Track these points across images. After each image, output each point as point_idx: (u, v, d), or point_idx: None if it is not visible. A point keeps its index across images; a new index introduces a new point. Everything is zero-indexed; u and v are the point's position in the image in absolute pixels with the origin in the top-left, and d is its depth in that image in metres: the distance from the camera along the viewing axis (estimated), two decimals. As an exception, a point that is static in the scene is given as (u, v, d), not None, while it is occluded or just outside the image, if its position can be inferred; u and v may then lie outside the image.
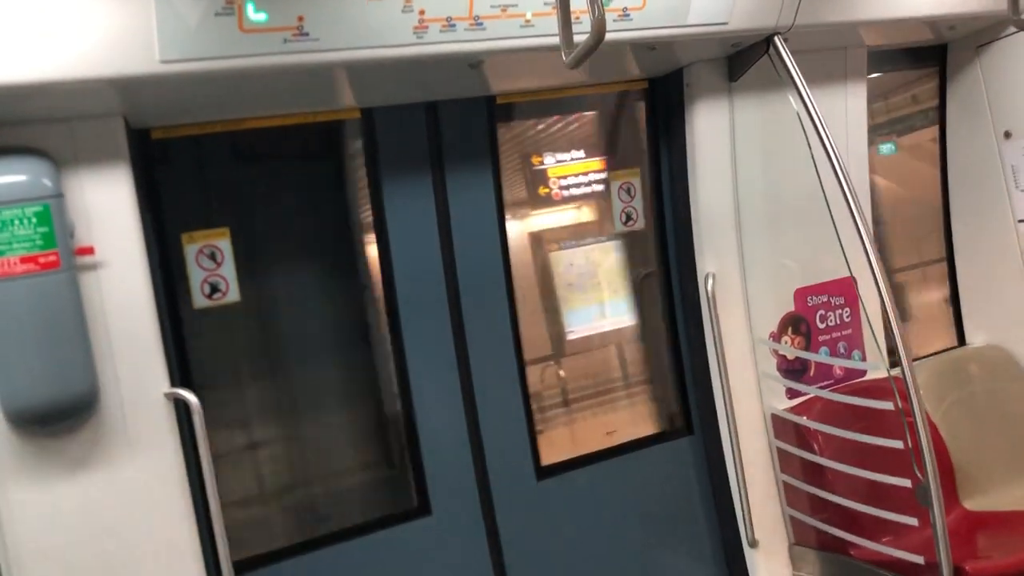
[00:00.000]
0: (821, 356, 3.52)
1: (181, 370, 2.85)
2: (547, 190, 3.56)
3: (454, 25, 2.53)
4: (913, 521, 2.96)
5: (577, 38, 2.08)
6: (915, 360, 3.39)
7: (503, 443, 3.33)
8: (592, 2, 1.93)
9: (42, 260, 2.26)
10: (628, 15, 2.73)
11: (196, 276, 2.88)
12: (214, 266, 2.89)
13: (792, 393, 3.49)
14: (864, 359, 3.58)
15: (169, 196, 2.87)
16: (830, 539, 3.30)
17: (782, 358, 3.48)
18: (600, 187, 3.60)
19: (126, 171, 2.48)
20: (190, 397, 2.52)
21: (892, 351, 2.89)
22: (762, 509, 3.44)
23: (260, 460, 3.18)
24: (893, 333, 2.81)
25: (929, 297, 4.25)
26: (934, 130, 4.10)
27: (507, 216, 3.35)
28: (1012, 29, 3.65)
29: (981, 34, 3.82)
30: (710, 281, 3.37)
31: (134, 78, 2.26)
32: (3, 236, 2.22)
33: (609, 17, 2.56)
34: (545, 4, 2.60)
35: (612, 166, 3.61)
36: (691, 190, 3.42)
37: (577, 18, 2.10)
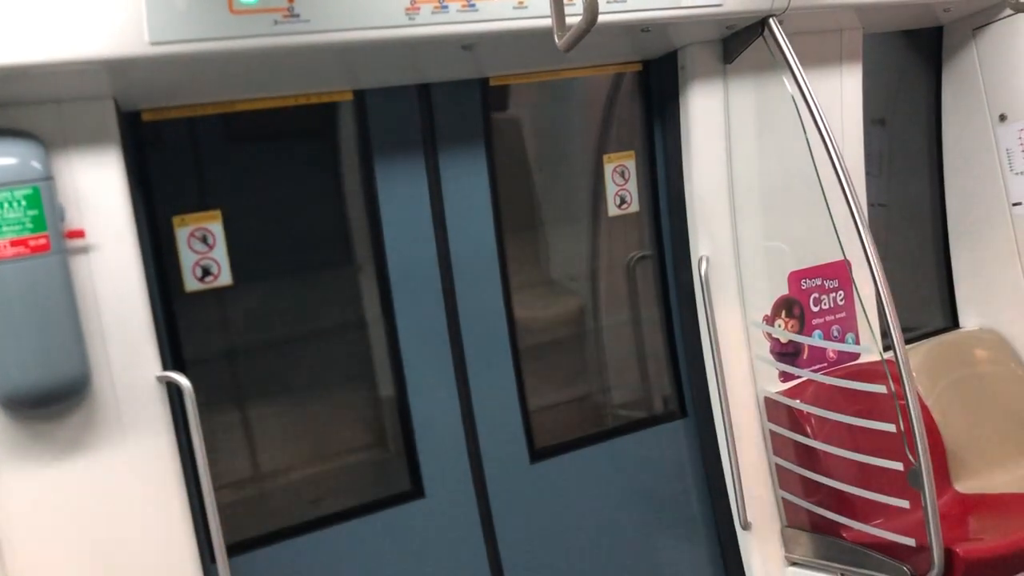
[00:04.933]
0: (815, 339, 3.53)
1: (173, 353, 2.84)
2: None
3: (446, 7, 2.52)
4: (905, 504, 2.98)
5: (570, 20, 2.06)
6: (908, 343, 3.41)
7: (497, 425, 3.33)
8: None
9: (32, 243, 2.25)
10: (622, -4, 2.71)
11: (188, 259, 2.86)
12: (206, 249, 2.88)
13: (785, 376, 3.49)
14: (858, 342, 3.59)
15: (160, 178, 2.86)
16: (822, 521, 3.32)
17: (775, 341, 3.49)
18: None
19: (117, 154, 2.47)
20: (182, 380, 2.52)
21: (885, 334, 2.89)
22: (755, 491, 3.45)
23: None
24: (887, 316, 2.82)
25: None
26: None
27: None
28: (1008, 11, 3.63)
29: (977, 16, 3.80)
30: (704, 264, 3.36)
31: (124, 60, 2.24)
32: (-8, 219, 2.21)
33: (602, -1, 2.55)
34: (538, -15, 2.59)
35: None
36: (685, 173, 3.41)
37: (570, 0, 2.09)
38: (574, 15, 2.02)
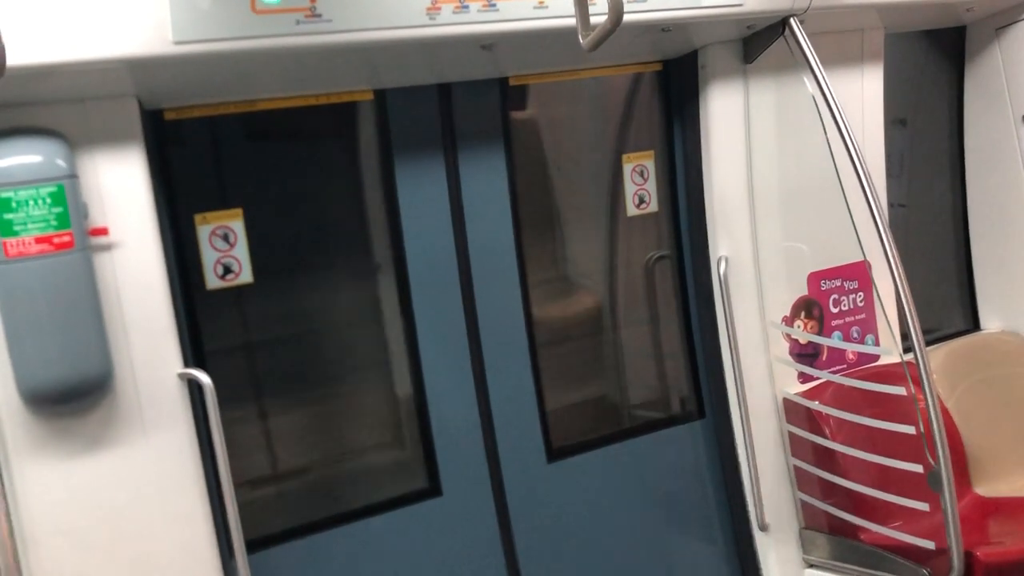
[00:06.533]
0: (834, 340, 3.51)
1: (194, 350, 2.86)
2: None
3: (467, 6, 2.52)
4: (924, 506, 2.96)
5: (592, 20, 2.06)
6: (929, 345, 3.39)
7: (514, 424, 3.34)
8: None
9: (56, 240, 2.27)
10: (643, -4, 2.71)
11: (209, 257, 2.88)
12: (227, 247, 2.90)
13: (804, 377, 3.48)
14: (877, 344, 3.57)
15: (182, 177, 2.88)
16: (840, 523, 3.30)
17: (795, 342, 3.47)
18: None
19: (140, 152, 2.49)
20: (203, 378, 2.54)
21: (905, 336, 2.88)
22: (773, 493, 3.45)
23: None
24: (907, 318, 2.80)
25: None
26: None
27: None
28: (1032, 11, 3.62)
29: (1000, 16, 3.77)
30: (723, 264, 3.36)
31: (148, 59, 2.26)
32: (18, 216, 2.23)
33: (623, -1, 2.55)
34: (559, -15, 2.59)
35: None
36: (705, 173, 3.40)
37: (592, 0, 2.09)
38: (596, 15, 2.03)
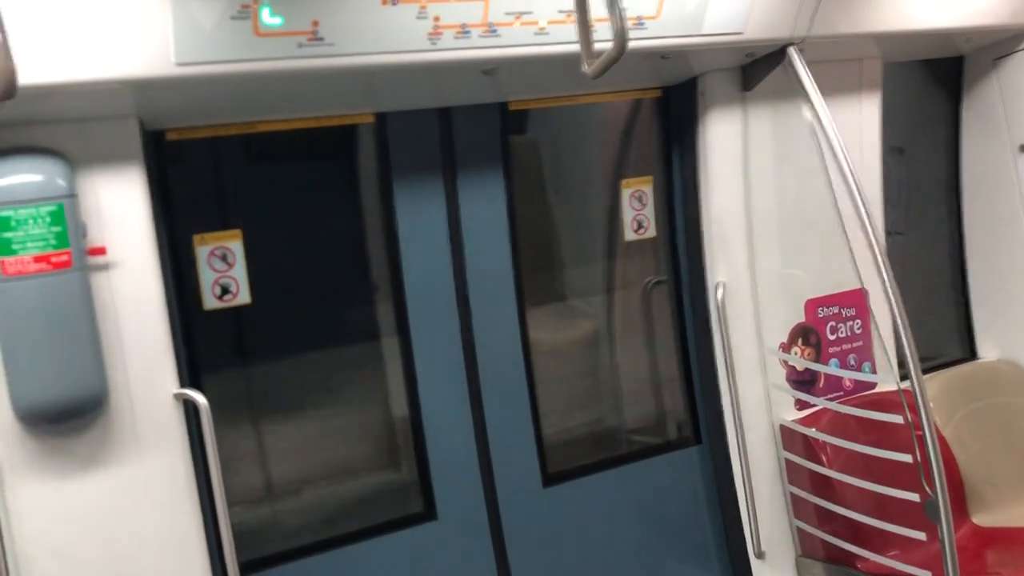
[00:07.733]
0: (831, 368, 3.51)
1: (190, 370, 2.85)
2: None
3: (468, 32, 2.54)
4: (921, 536, 2.95)
5: (595, 47, 2.08)
6: (926, 373, 3.38)
7: (510, 449, 3.33)
8: (613, 12, 1.93)
9: (54, 259, 2.27)
10: (643, 24, 2.73)
11: (207, 277, 2.88)
12: (225, 268, 2.90)
13: (801, 404, 3.48)
14: (874, 371, 3.57)
15: (182, 197, 2.88)
16: (837, 551, 3.29)
17: (791, 369, 3.47)
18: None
19: (140, 172, 2.49)
20: (199, 398, 2.53)
21: (902, 364, 2.88)
22: (769, 520, 3.43)
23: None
24: (904, 346, 2.80)
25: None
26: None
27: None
28: (1030, 42, 3.65)
29: (998, 47, 3.80)
30: (720, 290, 3.36)
31: (150, 80, 2.27)
32: (17, 235, 2.23)
33: (623, 26, 2.57)
34: (559, 12, 2.61)
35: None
36: (703, 199, 3.41)
37: (593, 27, 2.11)
38: (599, 42, 2.04)
